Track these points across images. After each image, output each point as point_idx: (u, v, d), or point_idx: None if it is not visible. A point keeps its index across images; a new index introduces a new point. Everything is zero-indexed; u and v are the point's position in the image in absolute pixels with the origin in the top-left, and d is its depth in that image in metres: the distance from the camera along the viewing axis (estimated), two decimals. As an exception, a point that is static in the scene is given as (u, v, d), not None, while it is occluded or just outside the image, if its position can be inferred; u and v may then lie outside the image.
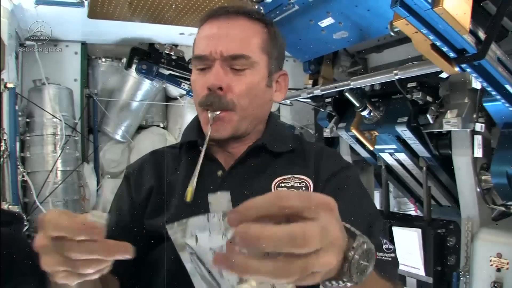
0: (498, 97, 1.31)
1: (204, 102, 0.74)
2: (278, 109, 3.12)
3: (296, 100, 2.27)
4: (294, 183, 0.76)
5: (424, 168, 1.85)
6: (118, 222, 0.78)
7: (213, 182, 0.78)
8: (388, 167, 2.09)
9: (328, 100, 2.11)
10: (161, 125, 3.08)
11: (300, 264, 0.35)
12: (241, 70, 0.74)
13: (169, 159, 0.85)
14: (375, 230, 0.72)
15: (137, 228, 0.77)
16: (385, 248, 0.72)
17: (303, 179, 0.76)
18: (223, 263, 0.36)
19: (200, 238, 0.43)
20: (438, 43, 1.09)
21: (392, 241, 1.88)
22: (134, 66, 2.52)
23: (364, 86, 1.87)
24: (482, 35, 1.11)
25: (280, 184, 0.76)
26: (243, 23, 0.76)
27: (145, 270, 0.78)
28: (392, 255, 0.73)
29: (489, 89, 1.27)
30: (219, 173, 0.79)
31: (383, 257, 0.71)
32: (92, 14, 1.72)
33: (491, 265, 1.51)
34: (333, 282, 0.44)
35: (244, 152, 0.80)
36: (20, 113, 2.30)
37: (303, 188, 0.75)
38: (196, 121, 0.85)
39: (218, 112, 0.73)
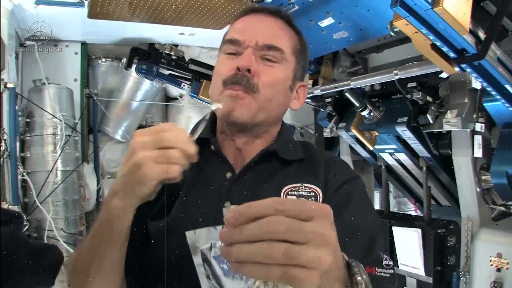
0: (498, 97, 1.31)
1: (230, 79, 0.74)
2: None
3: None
4: (304, 191, 0.76)
5: (424, 168, 1.85)
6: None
7: (221, 185, 0.77)
8: (388, 167, 2.09)
9: (328, 100, 2.11)
10: (161, 125, 3.08)
11: (283, 248, 0.37)
12: (271, 61, 0.76)
13: None
14: (376, 245, 0.72)
15: (144, 229, 0.77)
16: (385, 264, 0.72)
17: (313, 188, 0.76)
18: (223, 253, 0.40)
19: (214, 246, 0.46)
20: (438, 43, 1.09)
21: (392, 241, 1.89)
22: (134, 66, 2.52)
23: (364, 86, 1.87)
24: (482, 35, 1.11)
25: (290, 192, 0.76)
26: (280, 22, 0.80)
27: (149, 269, 0.77)
28: (391, 271, 0.73)
29: (489, 89, 1.27)
30: (228, 175, 0.78)
31: (382, 273, 0.71)
32: (92, 14, 1.72)
33: (491, 265, 1.51)
34: None
35: (256, 155, 0.78)
36: (20, 113, 2.30)
37: (312, 198, 0.75)
38: (211, 116, 0.82)
39: (239, 92, 0.73)
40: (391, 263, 0.74)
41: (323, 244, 0.39)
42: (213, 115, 0.82)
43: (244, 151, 0.81)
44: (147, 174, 0.55)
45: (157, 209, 0.77)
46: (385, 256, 0.73)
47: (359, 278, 0.45)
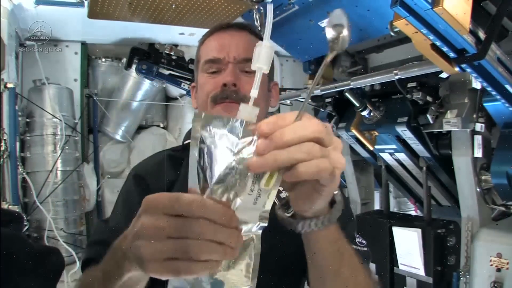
0: (498, 97, 1.31)
1: (220, 95, 0.81)
2: (278, 109, 3.12)
3: (296, 100, 2.27)
4: None
5: (424, 168, 1.85)
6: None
7: None
8: (388, 167, 2.09)
9: (328, 100, 2.12)
10: (161, 125, 3.08)
11: (318, 146, 0.43)
12: (250, 72, 0.83)
13: (176, 162, 0.87)
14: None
15: None
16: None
17: None
18: (258, 165, 0.42)
19: (216, 134, 0.45)
20: (438, 43, 1.09)
21: (392, 241, 1.89)
22: (134, 66, 2.52)
23: (364, 86, 1.87)
24: (482, 35, 1.11)
25: None
26: (247, 35, 0.88)
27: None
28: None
29: (489, 89, 1.27)
30: None
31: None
32: (92, 14, 1.72)
33: (491, 265, 1.51)
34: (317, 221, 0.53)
35: None
36: (20, 113, 2.30)
37: None
38: None
39: (231, 103, 0.80)
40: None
41: (340, 147, 0.46)
42: None
43: None
44: (151, 271, 0.42)
45: None
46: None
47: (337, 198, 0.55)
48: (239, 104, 0.75)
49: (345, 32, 0.47)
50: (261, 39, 0.85)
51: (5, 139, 1.90)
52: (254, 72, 0.77)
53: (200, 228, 0.40)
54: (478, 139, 1.61)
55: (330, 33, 0.48)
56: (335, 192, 0.54)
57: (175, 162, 0.87)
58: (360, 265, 0.64)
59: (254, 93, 0.49)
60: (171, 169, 0.87)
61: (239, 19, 1.82)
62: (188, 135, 0.95)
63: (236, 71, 0.82)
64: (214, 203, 0.42)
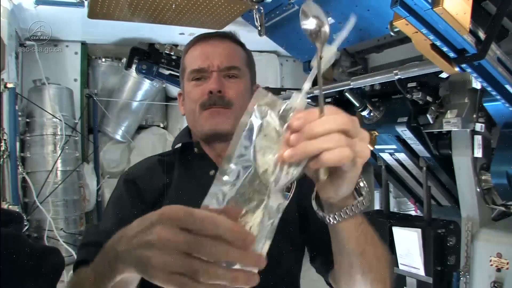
0: (498, 97, 1.31)
1: (207, 102, 0.87)
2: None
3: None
4: None
5: (424, 168, 1.85)
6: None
7: (206, 182, 0.79)
8: (388, 167, 2.09)
9: (328, 100, 2.11)
10: (161, 125, 3.08)
11: (344, 137, 0.47)
12: (233, 78, 0.90)
13: (167, 167, 0.91)
14: None
15: None
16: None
17: None
18: (290, 156, 0.46)
19: (269, 114, 0.49)
20: (438, 43, 1.09)
21: (392, 241, 1.89)
22: (134, 66, 2.52)
23: (364, 86, 1.87)
24: (482, 35, 1.11)
25: None
26: (229, 44, 0.94)
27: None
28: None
29: (489, 89, 1.28)
30: (211, 172, 0.87)
31: None
32: (92, 14, 1.72)
33: (491, 265, 1.51)
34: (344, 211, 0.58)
35: None
36: (20, 113, 2.30)
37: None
38: (185, 130, 1.00)
39: (219, 108, 0.87)
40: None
41: (366, 139, 0.51)
42: (187, 129, 0.99)
43: (224, 153, 0.84)
44: (155, 279, 0.42)
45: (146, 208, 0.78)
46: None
47: (361, 183, 0.59)
48: (225, 109, 0.86)
49: (325, 25, 0.51)
50: (242, 46, 0.96)
51: (5, 139, 1.90)
52: (237, 77, 0.90)
53: (212, 249, 0.40)
54: (478, 139, 1.61)
55: (311, 26, 0.51)
56: (361, 185, 0.59)
57: (166, 166, 0.91)
58: (378, 240, 0.68)
59: (307, 86, 0.52)
60: (162, 173, 0.90)
61: (239, 19, 1.83)
62: (178, 139, 0.99)
63: (220, 78, 0.89)
64: (227, 221, 0.41)
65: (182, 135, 1.00)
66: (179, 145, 0.96)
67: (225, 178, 0.46)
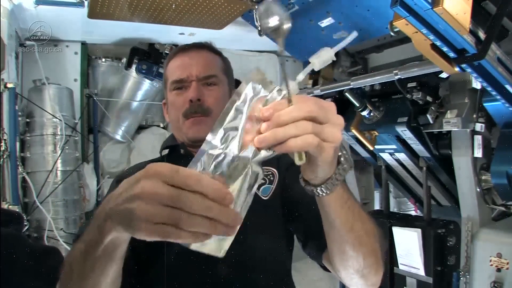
0: (498, 97, 1.31)
1: (189, 111, 0.94)
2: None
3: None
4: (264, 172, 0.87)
5: (424, 168, 1.85)
6: None
7: None
8: (388, 167, 2.09)
9: (328, 100, 2.11)
10: (161, 125, 3.08)
11: (311, 124, 0.50)
12: (212, 85, 0.97)
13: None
14: None
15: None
16: None
17: (270, 169, 0.97)
18: (262, 141, 0.50)
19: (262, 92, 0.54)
20: (438, 43, 1.09)
21: (392, 241, 1.89)
22: (134, 66, 2.52)
23: (364, 86, 1.87)
24: (482, 35, 1.11)
25: None
26: (207, 53, 1.01)
27: (144, 273, 0.82)
28: None
29: (489, 89, 1.28)
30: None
31: None
32: (92, 14, 1.72)
33: (491, 265, 1.51)
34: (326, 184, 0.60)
35: None
36: (20, 113, 2.29)
37: (271, 177, 0.96)
38: (171, 137, 1.06)
39: (199, 117, 0.94)
40: None
41: (338, 124, 0.53)
42: (172, 136, 1.05)
43: None
44: (140, 231, 0.45)
45: None
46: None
47: (342, 158, 0.61)
48: (206, 117, 0.95)
49: (285, 21, 0.55)
50: (219, 54, 1.03)
51: (5, 139, 1.90)
52: (215, 84, 0.98)
53: (194, 202, 0.44)
54: (478, 139, 1.61)
55: (273, 23, 0.55)
56: (342, 159, 0.61)
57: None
58: (366, 214, 0.71)
59: (300, 76, 0.58)
60: None
61: (239, 19, 1.83)
62: (164, 145, 1.04)
63: (199, 87, 0.95)
64: (210, 179, 0.45)
65: (167, 141, 1.07)
66: (166, 150, 1.03)
67: (213, 141, 0.51)
